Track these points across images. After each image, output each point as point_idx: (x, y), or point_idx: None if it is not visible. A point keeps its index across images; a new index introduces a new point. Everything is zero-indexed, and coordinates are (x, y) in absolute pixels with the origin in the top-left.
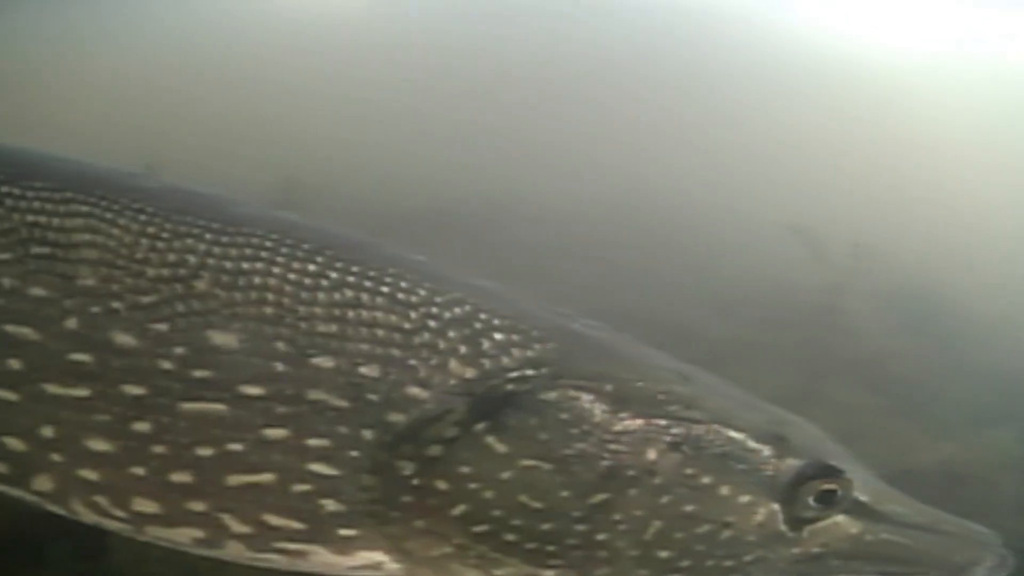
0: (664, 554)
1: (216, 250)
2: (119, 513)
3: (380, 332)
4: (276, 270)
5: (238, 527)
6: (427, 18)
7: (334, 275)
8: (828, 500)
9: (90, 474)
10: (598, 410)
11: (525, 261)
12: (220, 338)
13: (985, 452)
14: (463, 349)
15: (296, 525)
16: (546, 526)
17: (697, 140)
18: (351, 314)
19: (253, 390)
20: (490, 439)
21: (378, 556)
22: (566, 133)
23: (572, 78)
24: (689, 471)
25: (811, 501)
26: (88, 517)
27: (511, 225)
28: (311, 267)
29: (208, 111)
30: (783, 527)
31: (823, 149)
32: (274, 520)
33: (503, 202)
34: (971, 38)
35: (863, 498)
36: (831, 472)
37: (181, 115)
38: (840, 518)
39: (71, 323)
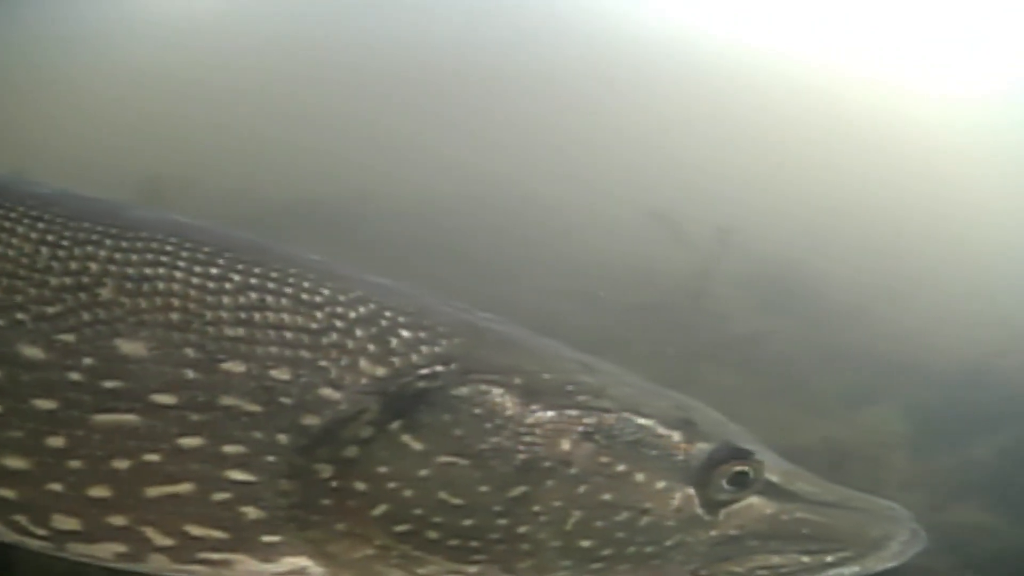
0: (586, 543)
1: (117, 256)
2: (39, 531)
3: (288, 334)
4: (179, 275)
5: (160, 539)
6: (287, 15)
7: (237, 278)
8: (741, 482)
9: (7, 492)
10: (510, 403)
11: (387, 255)
12: (128, 347)
13: (865, 430)
14: (372, 348)
15: (218, 534)
16: (467, 522)
17: (559, 134)
18: (257, 317)
19: (165, 399)
20: (406, 437)
21: (302, 561)
22: (427, 128)
23: (432, 74)
24: (604, 460)
25: (724, 484)
26: (8, 536)
27: (372, 219)
28: (213, 270)
29: (71, 111)
30: (700, 510)
31: (683, 138)
32: (196, 530)
33: (364, 196)
34: (829, 32)
35: (774, 479)
36: (742, 454)
37: (44, 116)
38: (754, 499)
39: None
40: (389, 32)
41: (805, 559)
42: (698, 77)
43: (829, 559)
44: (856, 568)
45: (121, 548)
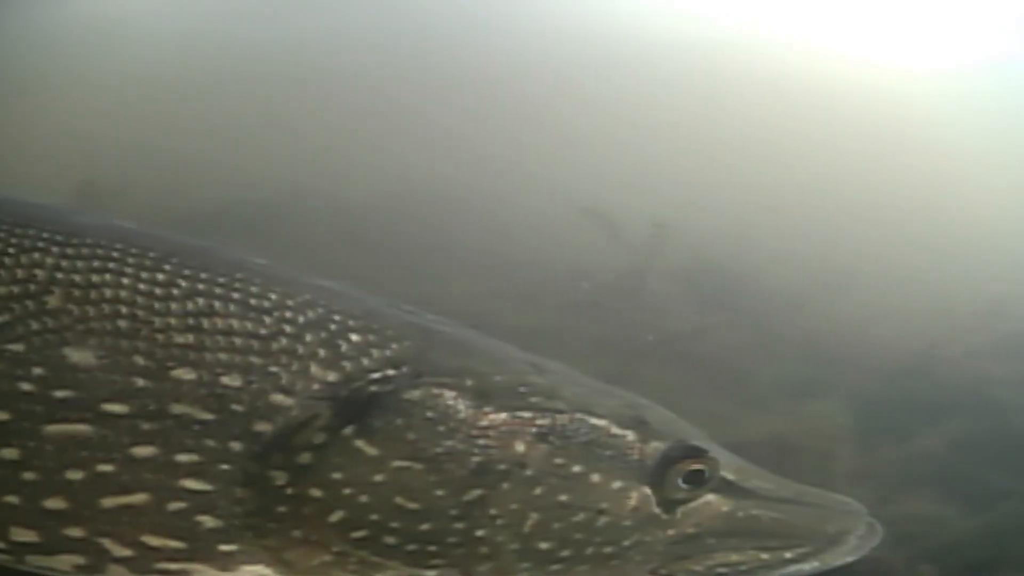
0: (544, 545)
1: (64, 263)
2: None
3: (237, 340)
4: (126, 281)
5: (118, 550)
6: (215, 16)
7: (184, 283)
8: (697, 480)
9: None
10: (462, 406)
11: (318, 255)
12: (77, 355)
13: (811, 423)
14: (322, 352)
15: (176, 544)
16: (424, 526)
17: (490, 130)
18: (206, 323)
19: (116, 408)
20: (359, 443)
21: (260, 569)
22: (357, 127)
23: (361, 73)
24: (558, 461)
25: (680, 482)
26: None
27: (302, 219)
28: (160, 276)
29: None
30: (657, 510)
31: (616, 133)
32: (153, 541)
33: (294, 197)
34: (747, 19)
35: (729, 476)
36: (696, 452)
37: None
38: (710, 497)
39: None
40: (318, 31)
41: (764, 556)
42: (629, 70)
43: (788, 555)
44: (815, 563)
45: (80, 560)
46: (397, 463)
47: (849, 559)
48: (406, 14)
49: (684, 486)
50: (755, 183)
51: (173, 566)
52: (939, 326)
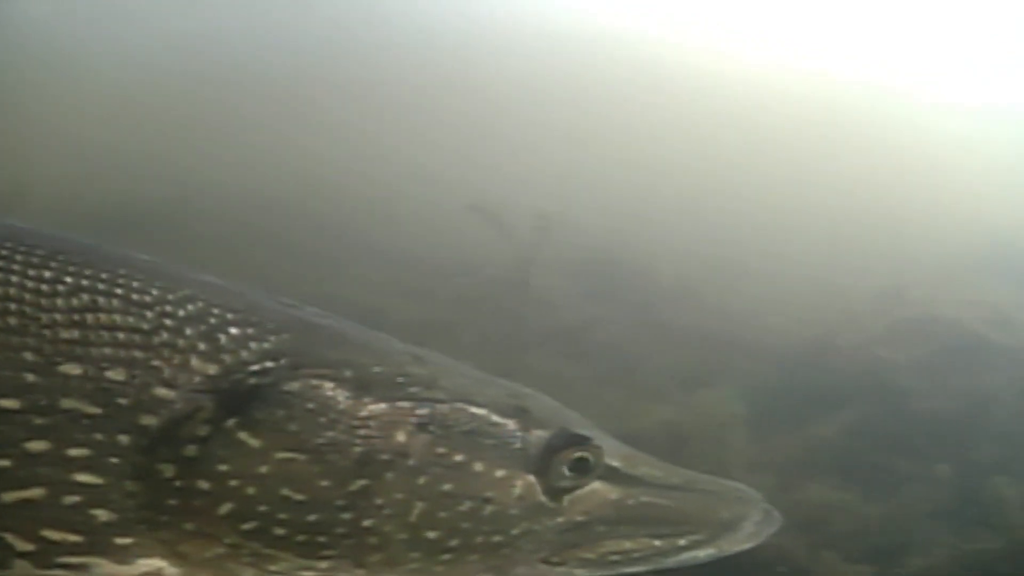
0: (432, 535)
1: None
2: None
3: (120, 335)
4: (14, 278)
5: (21, 545)
6: (113, 16)
7: (69, 280)
8: (582, 468)
9: None
10: (342, 397)
11: (214, 252)
12: None
13: (703, 412)
14: (202, 346)
15: (74, 538)
16: (312, 517)
17: (381, 127)
18: (90, 318)
19: (9, 403)
20: (242, 435)
21: (157, 562)
22: (250, 127)
23: (257, 74)
24: (440, 450)
25: (565, 470)
26: None
27: (199, 217)
28: (47, 273)
29: None
30: (543, 498)
31: (505, 129)
32: (53, 535)
33: (191, 196)
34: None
35: (615, 464)
36: (579, 440)
37: None
38: (597, 485)
39: None
40: (215, 29)
41: (657, 543)
42: (518, 67)
43: (682, 542)
44: (711, 550)
45: None
46: (280, 454)
47: (746, 546)
48: (304, 13)
49: (569, 474)
50: (644, 178)
51: (74, 560)
52: (833, 314)
